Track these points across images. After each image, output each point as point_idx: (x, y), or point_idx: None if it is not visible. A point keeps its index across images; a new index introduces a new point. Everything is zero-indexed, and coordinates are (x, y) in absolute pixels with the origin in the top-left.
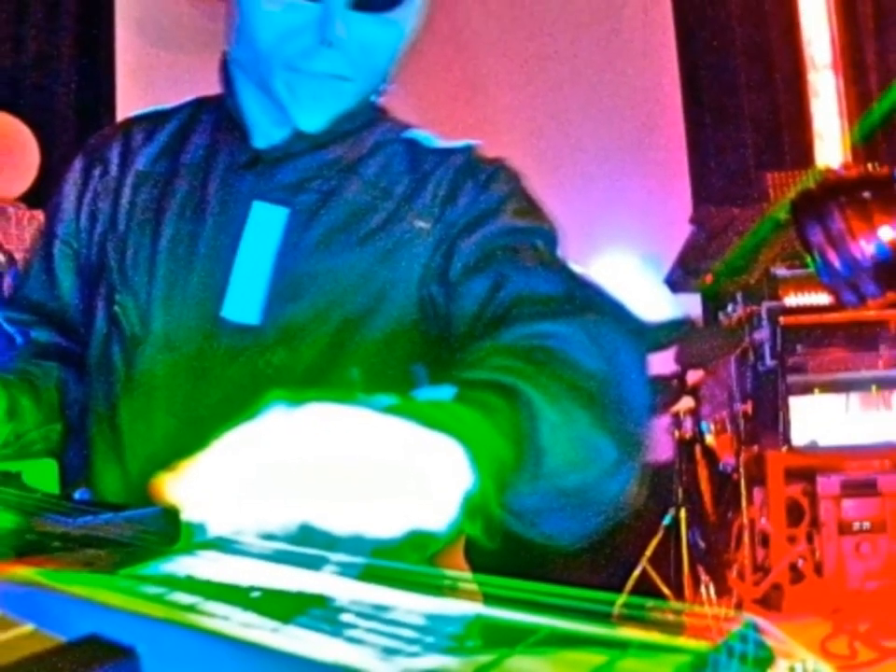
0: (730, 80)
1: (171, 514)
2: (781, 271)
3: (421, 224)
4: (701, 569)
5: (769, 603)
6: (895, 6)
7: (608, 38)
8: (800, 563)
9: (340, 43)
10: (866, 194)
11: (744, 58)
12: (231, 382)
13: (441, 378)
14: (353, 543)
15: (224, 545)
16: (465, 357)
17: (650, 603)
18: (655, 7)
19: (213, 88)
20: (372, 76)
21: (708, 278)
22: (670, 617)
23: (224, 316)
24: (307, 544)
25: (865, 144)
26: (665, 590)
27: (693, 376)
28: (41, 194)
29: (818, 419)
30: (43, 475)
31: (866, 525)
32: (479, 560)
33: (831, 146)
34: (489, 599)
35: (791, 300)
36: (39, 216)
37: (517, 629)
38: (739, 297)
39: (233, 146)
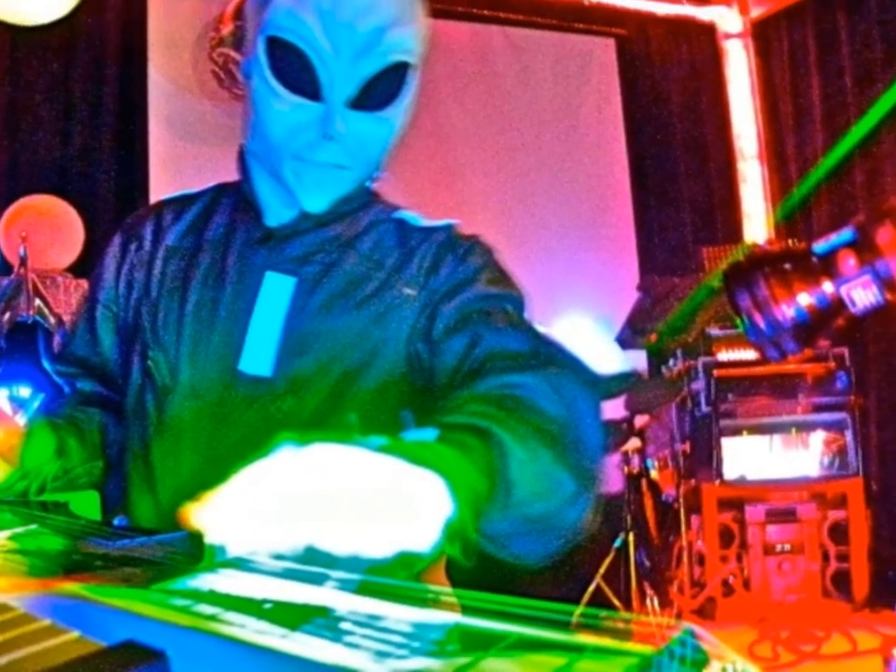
0: (671, 169)
1: (196, 538)
2: (715, 331)
3: (408, 291)
4: (646, 585)
5: (704, 613)
6: (811, 106)
7: (567, 133)
8: (731, 579)
9: (340, 137)
10: (787, 266)
11: (683, 150)
12: (247, 425)
13: (426, 422)
14: (350, 562)
15: (241, 564)
16: (446, 404)
17: (603, 613)
18: (607, 107)
19: (232, 175)
20: (367, 165)
21: (653, 337)
22: (620, 625)
23: (241, 369)
24: (311, 563)
25: (786, 223)
26: (616, 602)
27: (640, 420)
28: (85, 265)
29: (746, 457)
30: (87, 505)
31: (787, 547)
32: (458, 576)
33: (757, 224)
34: (466, 610)
35: (723, 355)
36: (83, 284)
37: (490, 635)
38: (679, 353)
39: (249, 224)
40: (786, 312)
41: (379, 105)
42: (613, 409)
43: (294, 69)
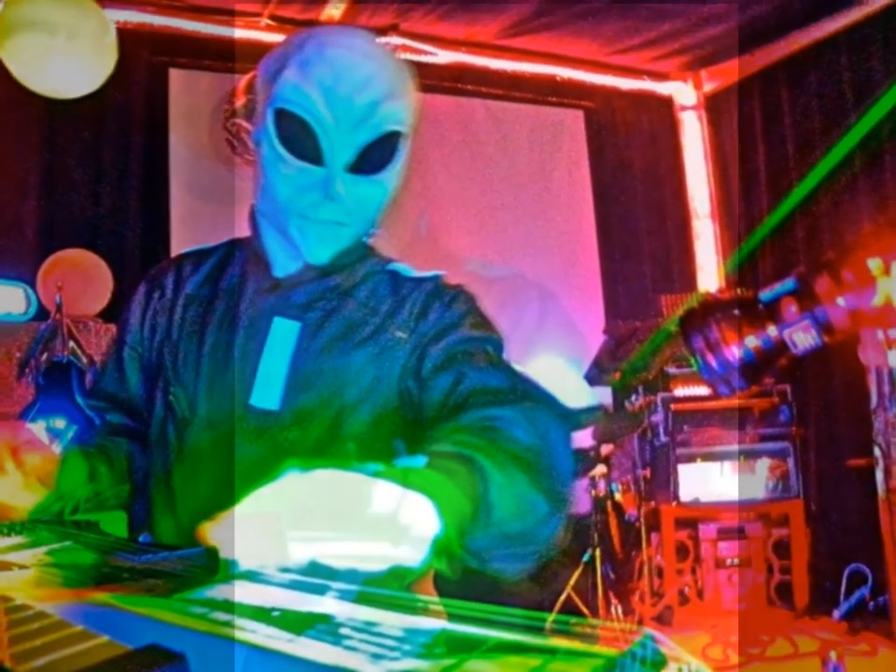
0: (633, 226)
1: (212, 553)
2: (672, 369)
3: (400, 334)
4: (611, 594)
5: (663, 620)
6: (757, 170)
7: (541, 194)
8: (686, 590)
9: (339, 198)
10: (736, 311)
11: (644, 209)
12: (258, 453)
13: (416, 450)
14: (349, 575)
15: (252, 576)
16: (433, 435)
17: (573, 620)
18: (577, 171)
19: (243, 231)
20: (364, 222)
21: (617, 375)
22: (588, 630)
23: (252, 404)
24: (314, 575)
25: (735, 274)
26: (585, 610)
27: (606, 449)
28: (114, 311)
29: (699, 481)
30: (115, 523)
31: (736, 561)
32: (444, 587)
33: (709, 275)
34: (452, 617)
35: (680, 391)
36: (112, 328)
37: (473, 640)
38: (640, 389)
39: (259, 275)
40: (735, 352)
41: (374, 170)
42: (582, 439)
43: (299, 137)
